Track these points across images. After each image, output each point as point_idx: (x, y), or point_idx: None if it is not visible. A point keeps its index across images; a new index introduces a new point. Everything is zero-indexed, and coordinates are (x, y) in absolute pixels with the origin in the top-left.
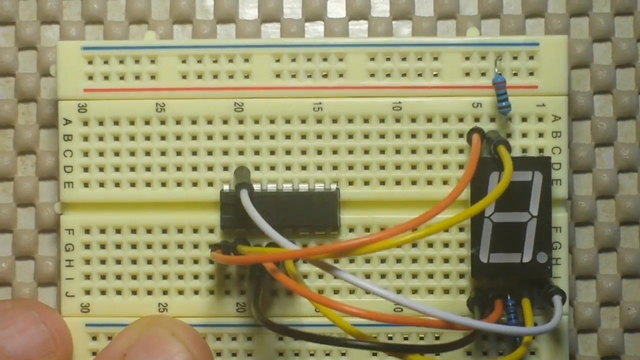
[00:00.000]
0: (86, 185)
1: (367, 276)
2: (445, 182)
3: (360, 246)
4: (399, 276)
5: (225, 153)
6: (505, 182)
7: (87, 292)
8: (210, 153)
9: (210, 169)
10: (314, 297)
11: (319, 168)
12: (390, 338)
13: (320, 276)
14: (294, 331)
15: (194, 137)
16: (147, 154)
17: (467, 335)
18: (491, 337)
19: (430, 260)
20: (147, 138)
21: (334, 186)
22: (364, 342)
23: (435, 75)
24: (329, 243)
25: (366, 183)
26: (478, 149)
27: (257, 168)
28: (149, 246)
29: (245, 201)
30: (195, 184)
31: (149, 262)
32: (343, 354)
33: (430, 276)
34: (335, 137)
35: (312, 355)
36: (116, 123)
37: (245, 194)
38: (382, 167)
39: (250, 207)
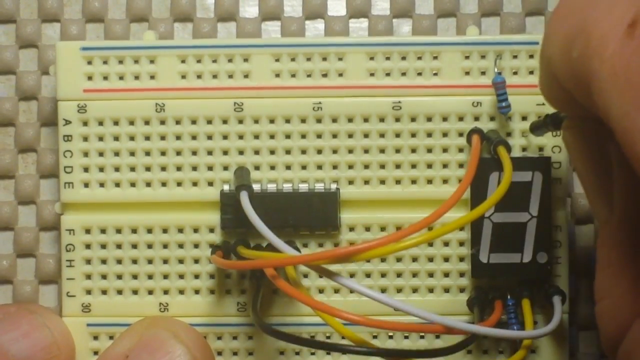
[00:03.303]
0: (86, 185)
1: (367, 275)
2: (445, 181)
3: (359, 252)
4: (399, 275)
5: (225, 153)
6: (505, 184)
7: (88, 292)
8: (210, 153)
9: (210, 168)
10: (313, 304)
11: (319, 167)
12: (390, 337)
13: (321, 275)
14: (294, 337)
15: (194, 137)
16: (147, 154)
17: (466, 338)
18: (491, 337)
19: (431, 260)
20: (147, 138)
21: (334, 186)
22: (362, 348)
23: (435, 74)
24: (329, 249)
25: (366, 182)
26: (478, 151)
27: (257, 168)
28: (150, 246)
29: (245, 204)
30: (195, 184)
31: (150, 262)
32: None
33: (431, 275)
34: (335, 136)
35: (312, 354)
36: (116, 123)
37: (245, 195)
38: (382, 167)
39: (250, 210)
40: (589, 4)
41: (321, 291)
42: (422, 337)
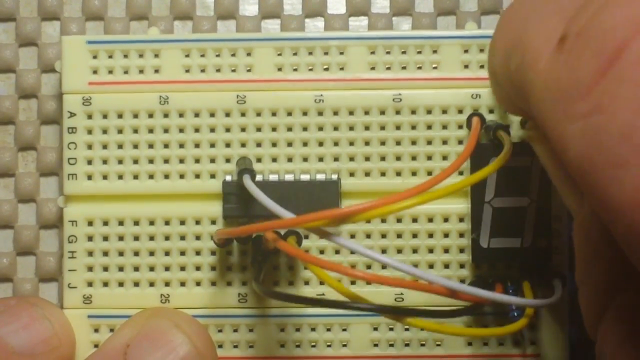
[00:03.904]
0: (90, 177)
1: (368, 267)
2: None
3: (358, 213)
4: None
5: (228, 145)
6: (506, 153)
7: (90, 284)
8: (212, 145)
9: (212, 160)
10: (315, 260)
11: (320, 159)
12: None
13: (322, 251)
14: (298, 297)
15: (197, 130)
16: (151, 146)
17: (469, 306)
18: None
19: (431, 251)
20: (151, 130)
21: (335, 176)
22: (372, 306)
23: (435, 67)
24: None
25: (367, 174)
26: (478, 128)
27: (259, 160)
28: (152, 238)
29: (248, 183)
30: (197, 176)
31: (151, 253)
32: (344, 345)
33: (431, 266)
34: (336, 129)
35: (313, 346)
36: (120, 116)
37: (248, 177)
38: (383, 158)
39: (252, 186)
40: (526, 19)
41: (322, 252)
42: None
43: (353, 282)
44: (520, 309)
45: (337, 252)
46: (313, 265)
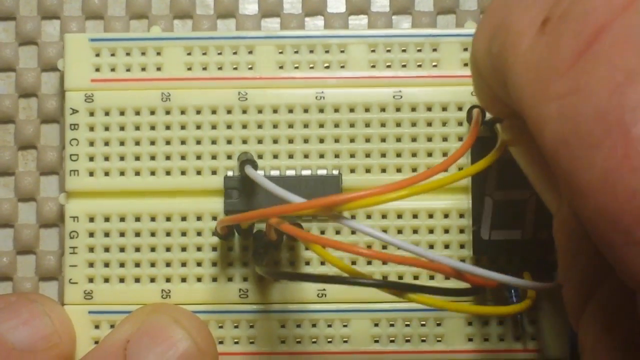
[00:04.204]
0: (91, 174)
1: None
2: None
3: (358, 199)
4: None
5: (229, 142)
6: (499, 147)
7: (91, 280)
8: (214, 142)
9: (214, 157)
10: (319, 240)
11: (321, 156)
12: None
13: (322, 232)
14: (300, 275)
15: (199, 127)
16: (152, 143)
17: (470, 287)
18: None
19: (431, 246)
20: (153, 127)
21: (336, 172)
22: (366, 280)
23: (435, 65)
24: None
25: (367, 170)
26: (478, 120)
27: (260, 156)
28: (153, 234)
29: (250, 171)
30: (199, 173)
31: (153, 249)
32: (345, 341)
33: None
34: (337, 125)
35: (314, 342)
36: (122, 113)
37: (250, 167)
38: (383, 155)
39: (254, 173)
40: (511, 4)
41: (322, 232)
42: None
43: (354, 263)
44: (520, 295)
45: (337, 232)
46: (315, 245)
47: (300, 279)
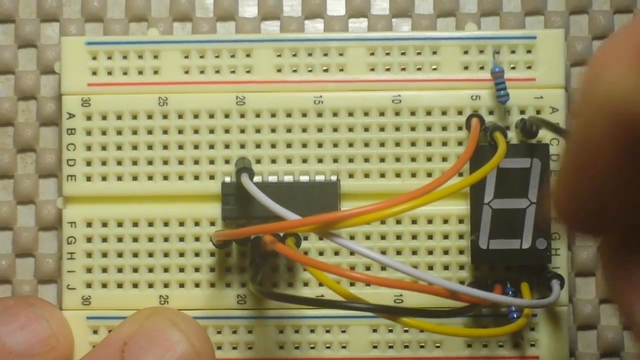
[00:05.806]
0: (89, 179)
1: (367, 268)
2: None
3: (355, 216)
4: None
5: (227, 146)
6: (501, 154)
7: (89, 285)
8: (212, 146)
9: (212, 162)
10: (314, 263)
11: (320, 161)
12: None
13: (321, 253)
14: (293, 297)
15: (196, 131)
16: (150, 147)
17: (466, 306)
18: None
19: (430, 252)
20: (150, 132)
21: (334, 178)
22: (369, 305)
23: (434, 69)
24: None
25: (366, 175)
26: (477, 130)
27: (258, 161)
28: (151, 239)
29: (246, 182)
30: (197, 177)
31: (150, 254)
32: (344, 347)
33: (430, 268)
34: (335, 130)
35: (312, 348)
36: (119, 117)
37: (246, 176)
38: (382, 160)
39: (251, 185)
40: None
41: (321, 253)
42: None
43: (352, 284)
44: (519, 310)
45: (336, 253)
46: (311, 268)
47: (294, 302)
